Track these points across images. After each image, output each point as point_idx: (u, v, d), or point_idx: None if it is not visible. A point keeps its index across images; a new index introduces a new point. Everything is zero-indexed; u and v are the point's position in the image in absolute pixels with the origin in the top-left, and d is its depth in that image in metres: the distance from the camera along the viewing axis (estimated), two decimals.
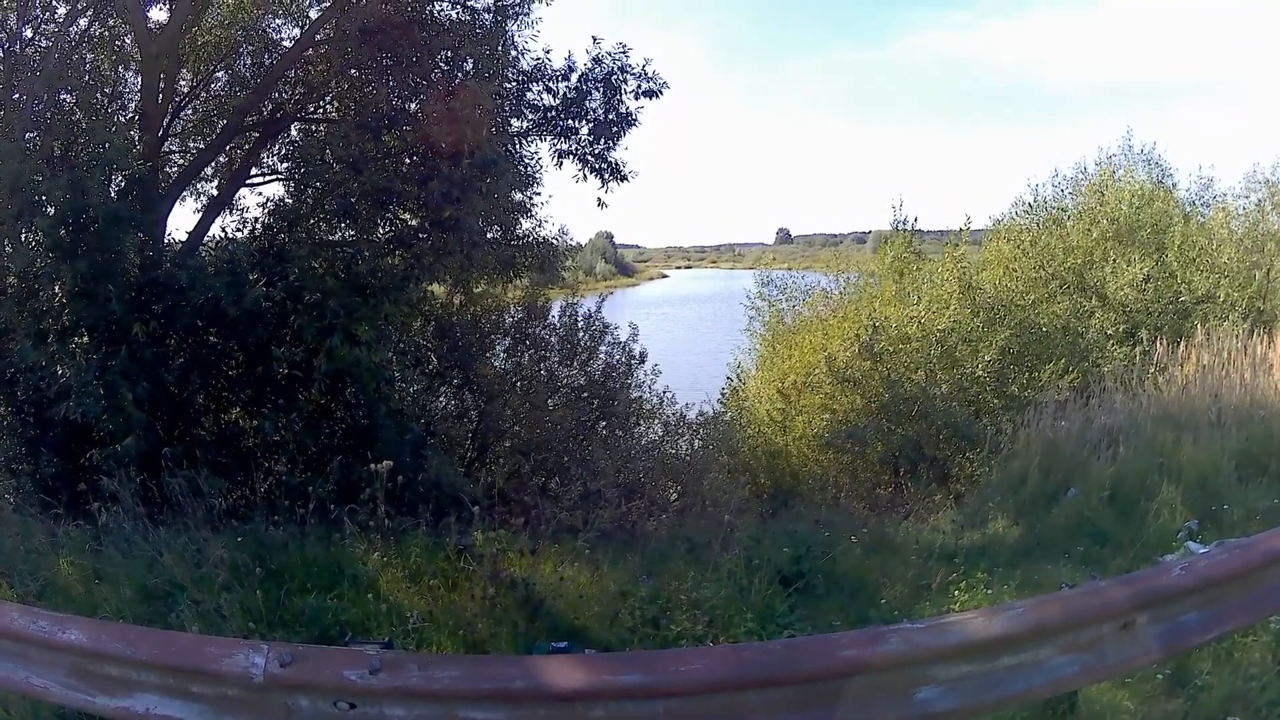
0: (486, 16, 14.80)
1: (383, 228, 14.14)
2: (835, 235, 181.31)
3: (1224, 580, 5.28)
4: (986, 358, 19.50)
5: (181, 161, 15.74)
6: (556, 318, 17.32)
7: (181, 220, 21.81)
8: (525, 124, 15.79)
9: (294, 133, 15.73)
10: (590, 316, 17.51)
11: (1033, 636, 4.71)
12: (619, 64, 15.42)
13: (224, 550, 8.70)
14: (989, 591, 9.14)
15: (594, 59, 15.41)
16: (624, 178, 15.96)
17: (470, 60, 14.51)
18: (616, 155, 15.86)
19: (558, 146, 15.80)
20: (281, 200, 14.52)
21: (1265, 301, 21.57)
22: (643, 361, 17.82)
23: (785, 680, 4.34)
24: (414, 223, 14.41)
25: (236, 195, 15.62)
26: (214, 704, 4.41)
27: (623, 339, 17.70)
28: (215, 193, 15.81)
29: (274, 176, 15.71)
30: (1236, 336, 15.62)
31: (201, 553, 8.73)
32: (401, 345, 14.50)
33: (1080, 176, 25.56)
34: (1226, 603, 5.32)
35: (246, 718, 4.38)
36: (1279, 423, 12.66)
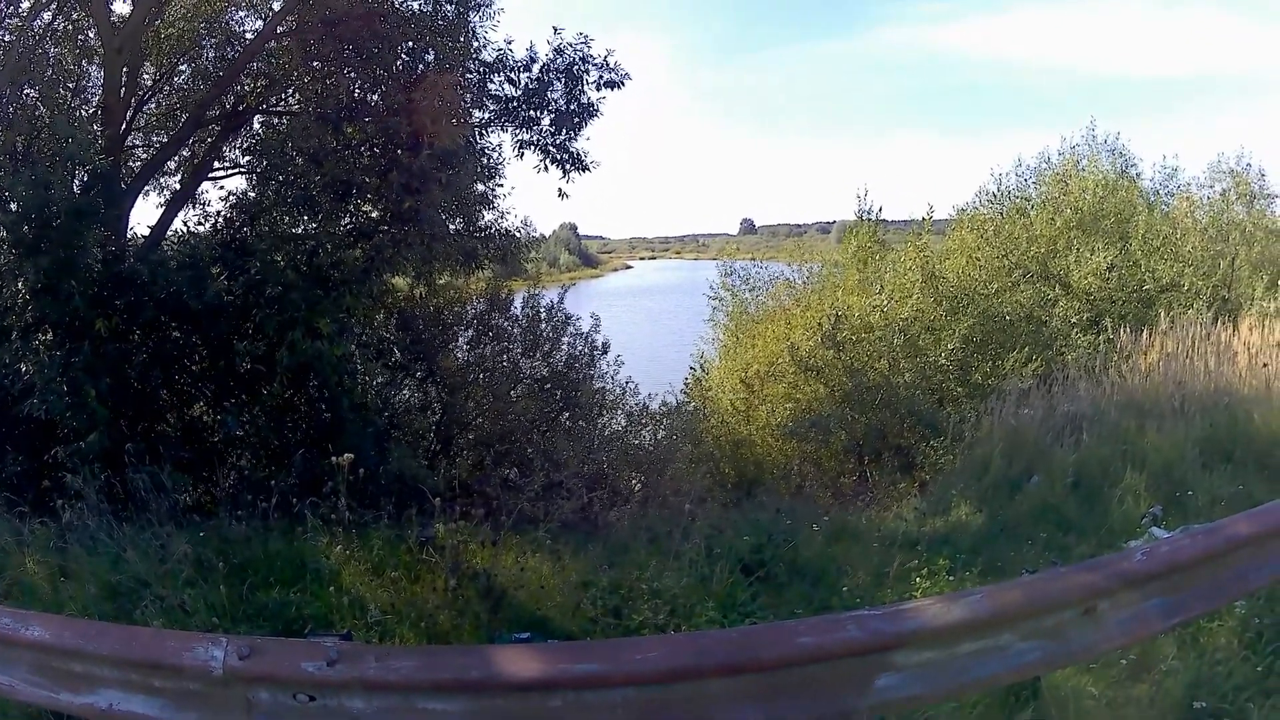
0: (449, 7, 14.78)
1: (344, 220, 14.10)
2: (799, 225, 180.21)
3: (1187, 565, 5.31)
4: (949, 346, 19.51)
5: (144, 155, 15.70)
6: (519, 309, 17.33)
7: (144, 215, 21.70)
8: (487, 115, 15.79)
9: (256, 125, 15.72)
10: (553, 308, 17.50)
11: (993, 622, 4.73)
12: (581, 54, 15.42)
13: (188, 546, 8.71)
14: (951, 578, 9.19)
15: (556, 50, 15.41)
16: (585, 168, 15.99)
17: (432, 51, 14.52)
18: (578, 146, 15.91)
19: (519, 137, 15.81)
20: (244, 194, 14.50)
21: (1229, 290, 21.73)
22: (605, 352, 17.81)
23: (744, 668, 4.35)
24: (375, 215, 14.42)
25: (199, 189, 15.57)
26: (175, 698, 4.41)
27: (585, 330, 17.73)
28: (178, 186, 15.78)
29: (236, 170, 15.71)
30: (1200, 324, 15.71)
31: (165, 549, 8.74)
32: (364, 338, 14.44)
33: (1044, 166, 25.66)
34: (1190, 588, 5.35)
35: (207, 711, 4.39)
36: (1243, 410, 12.75)
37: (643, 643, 5.73)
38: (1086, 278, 21.44)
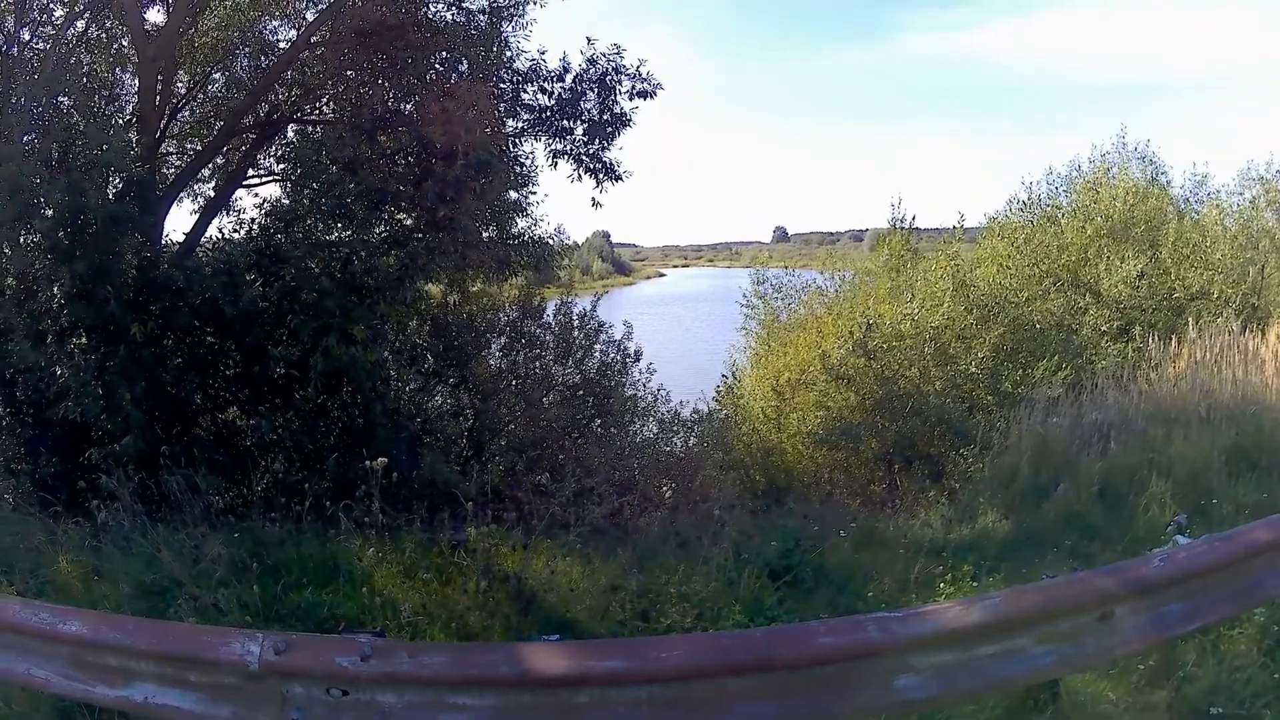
0: (482, 18, 14.87)
1: (378, 228, 14.17)
2: (832, 234, 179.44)
3: (1205, 572, 5.35)
4: (980, 354, 19.41)
5: (179, 163, 15.83)
6: (552, 316, 17.37)
7: (179, 221, 21.92)
8: (520, 124, 15.77)
9: (290, 134, 15.79)
10: (585, 315, 17.55)
11: (1010, 626, 4.79)
12: (613, 65, 15.39)
13: (221, 547, 8.78)
14: (975, 585, 9.14)
15: (589, 60, 15.40)
16: (618, 178, 15.94)
17: (465, 61, 14.59)
18: (611, 155, 15.85)
19: (553, 147, 15.77)
20: (278, 201, 14.62)
21: (1259, 298, 21.57)
22: (637, 360, 17.87)
23: (765, 666, 4.41)
24: (409, 222, 14.47)
25: (233, 196, 15.73)
26: (211, 692, 4.50)
27: (617, 337, 17.76)
28: (212, 194, 15.91)
29: (270, 178, 15.82)
30: (1229, 332, 15.62)
31: (199, 549, 8.80)
32: (397, 344, 14.54)
33: (1075, 174, 25.42)
34: (1207, 594, 5.38)
35: (243, 705, 4.47)
36: (1270, 418, 12.66)
37: (667, 641, 5.79)
38: (1117, 286, 21.36)
